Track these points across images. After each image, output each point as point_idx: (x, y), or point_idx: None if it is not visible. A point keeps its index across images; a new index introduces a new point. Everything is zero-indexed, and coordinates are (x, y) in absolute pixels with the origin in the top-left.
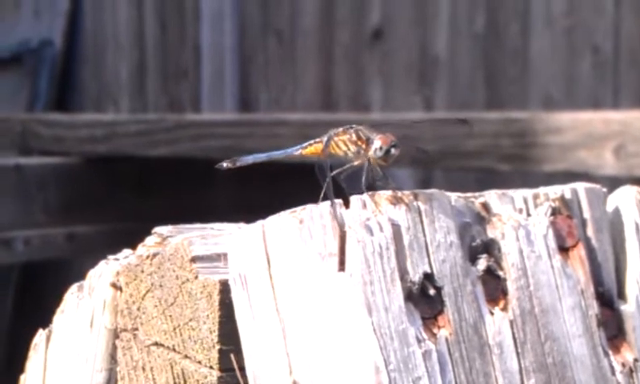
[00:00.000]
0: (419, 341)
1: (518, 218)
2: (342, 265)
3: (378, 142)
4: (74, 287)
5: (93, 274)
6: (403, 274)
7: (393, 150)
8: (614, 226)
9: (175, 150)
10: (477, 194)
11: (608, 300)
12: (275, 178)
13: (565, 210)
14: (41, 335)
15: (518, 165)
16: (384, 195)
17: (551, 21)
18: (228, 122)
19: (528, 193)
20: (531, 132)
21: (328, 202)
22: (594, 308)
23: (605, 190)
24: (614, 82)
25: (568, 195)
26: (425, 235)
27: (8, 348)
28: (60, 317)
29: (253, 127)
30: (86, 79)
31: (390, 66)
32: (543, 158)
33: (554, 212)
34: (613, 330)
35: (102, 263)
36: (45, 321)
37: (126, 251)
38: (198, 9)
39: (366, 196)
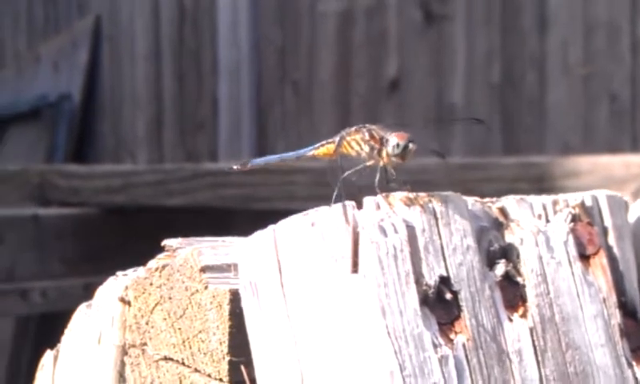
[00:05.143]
0: (435, 346)
1: (537, 223)
2: (355, 267)
3: (394, 139)
4: (82, 306)
5: (101, 291)
6: (418, 277)
7: (411, 145)
8: (636, 237)
9: (192, 200)
10: (494, 199)
11: (631, 310)
12: None
13: (585, 217)
14: (48, 355)
15: None
16: (398, 196)
17: (568, 69)
18: (244, 170)
19: (547, 199)
20: (549, 176)
21: (340, 204)
22: (617, 317)
23: (627, 198)
24: (632, 129)
25: (588, 202)
26: (440, 238)
27: None
28: (68, 335)
29: (269, 175)
30: (104, 133)
31: (407, 115)
32: None
33: (574, 219)
34: (637, 341)
35: (111, 279)
36: None
37: (136, 267)
38: (215, 61)
39: (379, 197)
